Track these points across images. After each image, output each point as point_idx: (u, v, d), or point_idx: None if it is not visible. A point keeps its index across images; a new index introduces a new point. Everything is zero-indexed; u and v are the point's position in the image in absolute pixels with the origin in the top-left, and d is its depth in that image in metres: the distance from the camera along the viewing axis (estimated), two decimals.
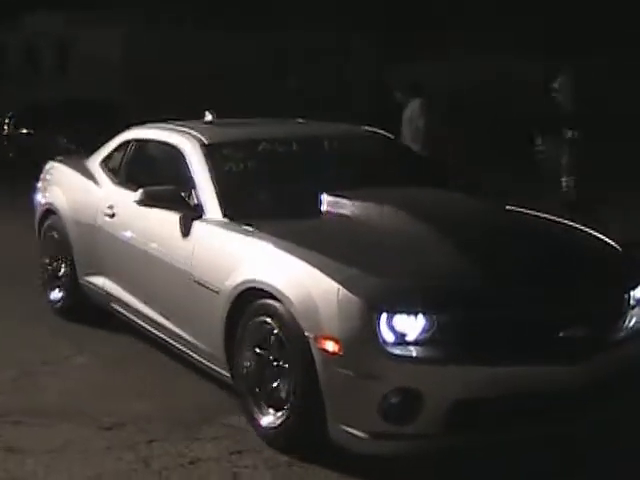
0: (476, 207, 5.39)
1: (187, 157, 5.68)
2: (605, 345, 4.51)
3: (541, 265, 4.56)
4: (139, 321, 5.91)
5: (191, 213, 5.33)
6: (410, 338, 4.20)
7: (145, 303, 5.78)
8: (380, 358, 4.15)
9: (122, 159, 6.52)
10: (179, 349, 5.48)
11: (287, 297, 4.42)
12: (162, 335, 5.65)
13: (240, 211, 5.22)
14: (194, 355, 5.32)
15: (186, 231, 5.29)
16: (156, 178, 5.97)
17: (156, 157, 6.26)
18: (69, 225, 6.75)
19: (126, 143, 6.56)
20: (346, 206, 5.21)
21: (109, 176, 6.56)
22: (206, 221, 5.24)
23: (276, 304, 4.51)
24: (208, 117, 6.89)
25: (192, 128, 6.02)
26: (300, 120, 6.87)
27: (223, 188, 5.38)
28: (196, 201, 5.39)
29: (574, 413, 4.37)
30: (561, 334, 4.35)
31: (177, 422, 4.92)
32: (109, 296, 6.28)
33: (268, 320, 4.60)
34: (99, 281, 6.41)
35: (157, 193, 5.43)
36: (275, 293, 4.50)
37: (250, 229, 4.97)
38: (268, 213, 5.23)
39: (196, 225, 5.26)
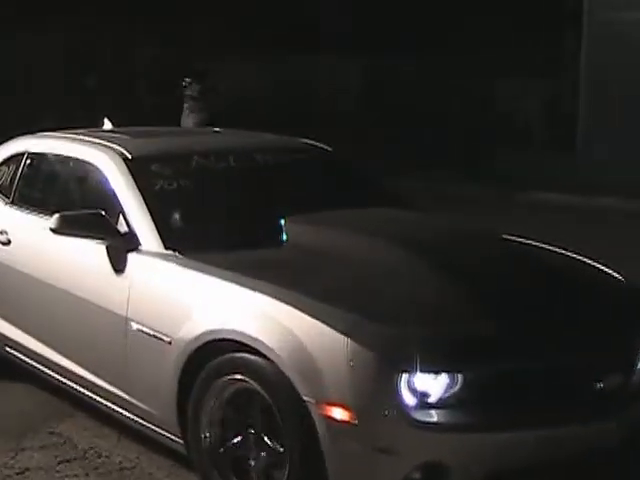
0: (469, 235, 4.68)
1: (108, 175, 4.72)
2: (636, 392, 3.90)
3: (563, 307, 3.90)
4: (49, 372, 4.90)
5: (123, 244, 4.40)
6: (432, 400, 3.46)
7: (57, 351, 4.78)
8: (402, 427, 3.38)
9: (14, 175, 5.44)
10: (108, 407, 4.54)
11: (275, 352, 3.58)
12: (84, 390, 4.68)
13: (184, 241, 4.33)
14: (131, 416, 4.39)
15: (119, 266, 4.34)
16: (64, 199, 5.03)
17: (62, 174, 5.22)
18: None
19: (18, 156, 5.49)
20: (314, 234, 4.41)
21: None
22: (145, 254, 4.32)
23: (258, 360, 3.66)
24: (107, 124, 5.96)
25: (107, 139, 5.06)
26: (217, 129, 6.00)
27: (159, 213, 4.46)
28: (126, 228, 4.46)
29: (616, 471, 3.76)
30: (599, 385, 3.72)
31: (2, 432, 4.75)
32: (2, 338, 5.24)
33: (244, 379, 3.75)
34: None
35: (78, 219, 4.46)
36: (257, 346, 3.65)
37: (207, 265, 4.09)
38: (219, 243, 4.35)
39: (132, 259, 4.32)
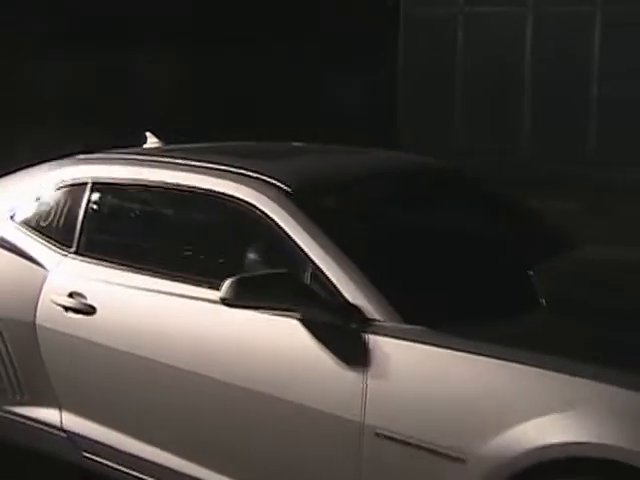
0: None
1: (274, 218, 3.38)
2: None
3: None
4: None
5: (335, 317, 3.13)
6: None
7: (210, 466, 3.44)
8: None
9: (71, 214, 3.99)
10: None
11: None
12: None
13: (421, 310, 3.14)
14: None
15: (339, 351, 3.09)
16: (198, 254, 3.69)
17: (173, 215, 3.86)
18: None
19: (72, 187, 4.05)
20: (577, 290, 3.36)
21: (50, 243, 4.02)
22: (379, 332, 3.07)
23: None
24: (152, 140, 4.60)
25: (229, 164, 3.72)
26: (296, 144, 4.73)
27: (376, 271, 3.23)
28: (324, 295, 3.20)
29: None
30: None
31: None
32: (77, 439, 3.83)
33: None
34: (43, 414, 3.92)
35: (262, 283, 3.16)
36: None
37: (496, 346, 2.92)
38: (464, 309, 3.19)
39: (368, 341, 3.06)
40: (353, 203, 3.71)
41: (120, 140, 4.99)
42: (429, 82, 15.61)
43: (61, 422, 3.87)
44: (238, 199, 3.51)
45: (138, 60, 17.93)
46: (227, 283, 3.12)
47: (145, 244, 3.86)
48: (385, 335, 3.06)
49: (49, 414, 3.90)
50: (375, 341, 3.06)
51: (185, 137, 4.81)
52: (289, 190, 3.50)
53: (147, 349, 3.55)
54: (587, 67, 14.79)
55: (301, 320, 3.17)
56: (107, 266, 3.79)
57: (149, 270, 3.64)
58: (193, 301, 3.43)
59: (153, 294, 3.57)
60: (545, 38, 15.09)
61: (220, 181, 3.60)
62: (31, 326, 3.88)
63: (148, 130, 4.65)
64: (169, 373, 3.48)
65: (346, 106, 17.95)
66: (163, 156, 4.00)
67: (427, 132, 15.25)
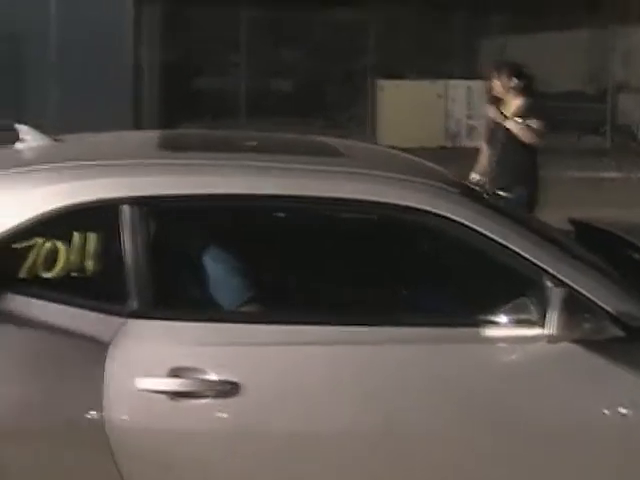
0: None
1: (471, 225, 2.71)
2: None
3: None
4: None
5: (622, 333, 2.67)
6: None
7: None
8: None
9: (113, 254, 2.56)
10: None
11: None
12: None
13: None
14: None
15: None
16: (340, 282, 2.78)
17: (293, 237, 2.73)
18: None
19: (95, 210, 2.59)
20: None
21: (75, 301, 2.53)
22: None
23: None
24: (29, 137, 3.26)
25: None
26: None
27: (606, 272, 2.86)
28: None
29: None
30: None
31: None
32: None
33: None
34: None
35: (576, 307, 2.57)
36: None
37: None
38: None
39: None
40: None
41: None
42: None
43: None
44: (409, 208, 2.72)
45: None
46: (557, 316, 2.50)
47: (275, 281, 2.71)
48: None
49: None
50: None
51: None
52: (458, 191, 2.85)
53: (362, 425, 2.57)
54: None
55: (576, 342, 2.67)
56: (219, 321, 2.59)
57: (307, 316, 2.63)
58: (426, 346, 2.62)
59: (342, 347, 2.58)
60: None
61: (376, 188, 2.72)
62: (93, 431, 2.47)
63: (20, 122, 3.11)
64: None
65: None
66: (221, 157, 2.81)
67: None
